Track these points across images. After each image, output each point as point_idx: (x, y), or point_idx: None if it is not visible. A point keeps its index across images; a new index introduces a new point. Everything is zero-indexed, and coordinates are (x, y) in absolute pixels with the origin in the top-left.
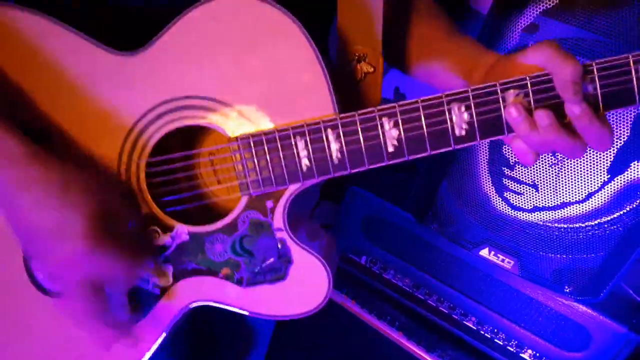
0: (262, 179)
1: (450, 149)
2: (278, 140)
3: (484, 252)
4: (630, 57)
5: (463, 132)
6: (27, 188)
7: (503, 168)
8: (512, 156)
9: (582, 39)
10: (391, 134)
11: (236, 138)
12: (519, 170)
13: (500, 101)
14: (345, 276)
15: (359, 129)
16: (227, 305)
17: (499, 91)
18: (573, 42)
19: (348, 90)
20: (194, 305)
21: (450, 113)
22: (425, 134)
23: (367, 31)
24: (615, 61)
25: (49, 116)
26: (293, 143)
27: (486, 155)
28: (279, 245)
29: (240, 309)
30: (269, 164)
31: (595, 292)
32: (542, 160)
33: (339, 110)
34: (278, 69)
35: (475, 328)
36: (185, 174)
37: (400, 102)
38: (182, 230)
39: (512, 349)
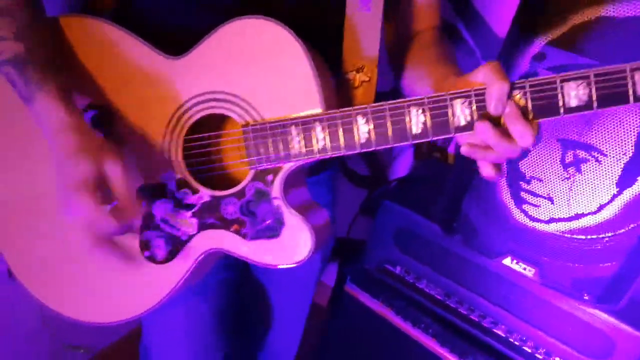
0: (265, 157)
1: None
2: (278, 128)
3: (507, 261)
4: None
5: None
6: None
7: (520, 182)
8: (527, 171)
9: (580, 64)
10: (363, 128)
11: (248, 125)
12: (534, 185)
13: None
14: (381, 285)
15: (340, 124)
16: (233, 253)
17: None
18: (574, 67)
19: (347, 94)
20: (211, 250)
21: (409, 114)
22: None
23: (366, 49)
24: (545, 79)
25: (116, 99)
26: (288, 131)
27: (504, 171)
28: (275, 210)
29: (242, 257)
30: (270, 146)
31: (615, 300)
32: (555, 175)
33: (332, 108)
34: (284, 75)
35: (504, 336)
36: (211, 149)
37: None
38: (206, 193)
39: (540, 357)
